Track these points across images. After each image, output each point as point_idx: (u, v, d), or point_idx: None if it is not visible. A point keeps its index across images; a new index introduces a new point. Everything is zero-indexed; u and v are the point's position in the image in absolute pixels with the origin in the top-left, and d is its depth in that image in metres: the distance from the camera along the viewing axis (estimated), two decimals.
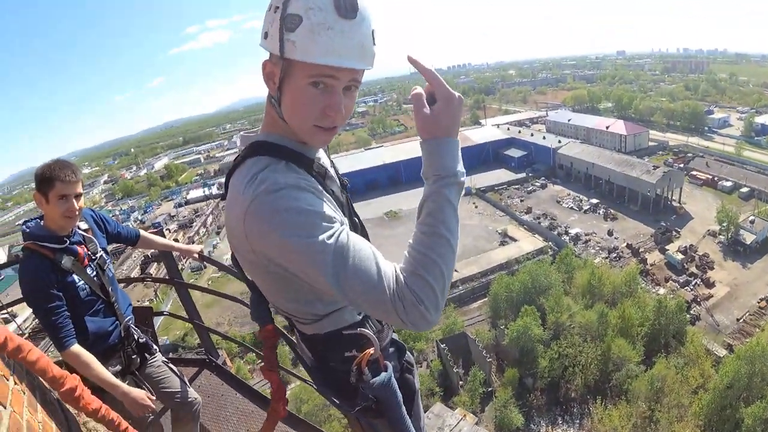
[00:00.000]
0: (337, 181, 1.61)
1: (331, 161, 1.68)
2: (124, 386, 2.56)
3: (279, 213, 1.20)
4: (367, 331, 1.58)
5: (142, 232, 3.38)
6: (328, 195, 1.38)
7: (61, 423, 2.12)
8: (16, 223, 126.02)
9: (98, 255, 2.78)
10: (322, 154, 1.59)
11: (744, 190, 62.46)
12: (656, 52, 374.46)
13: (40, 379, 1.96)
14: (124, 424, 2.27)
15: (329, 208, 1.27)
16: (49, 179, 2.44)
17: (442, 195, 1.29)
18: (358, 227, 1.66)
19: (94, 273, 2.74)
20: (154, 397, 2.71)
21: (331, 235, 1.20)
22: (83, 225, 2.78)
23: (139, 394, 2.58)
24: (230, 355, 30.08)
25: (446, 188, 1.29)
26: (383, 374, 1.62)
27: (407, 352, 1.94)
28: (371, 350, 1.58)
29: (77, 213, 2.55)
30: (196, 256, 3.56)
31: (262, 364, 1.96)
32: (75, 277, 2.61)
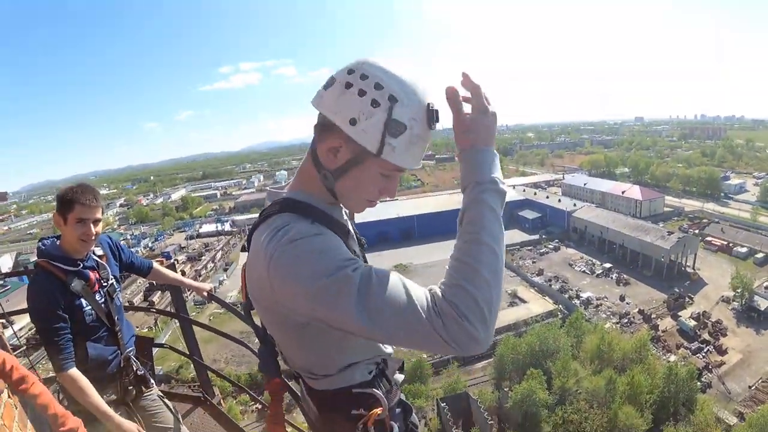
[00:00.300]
0: (356, 240, 1.64)
1: (352, 222, 1.71)
2: (117, 417, 2.54)
3: (301, 258, 1.21)
4: (377, 391, 1.56)
5: (155, 265, 3.38)
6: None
7: None
8: (27, 232, 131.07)
9: (109, 282, 2.80)
10: (343, 214, 1.61)
11: (759, 255, 61.74)
12: (674, 118, 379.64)
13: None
14: None
15: (348, 249, 1.30)
16: (70, 201, 2.48)
17: (483, 201, 1.26)
18: None
19: (103, 300, 2.74)
20: None
21: (354, 269, 1.18)
22: (98, 251, 2.81)
23: (131, 427, 2.56)
24: (223, 394, 29.81)
25: (486, 194, 1.27)
26: None
27: (413, 414, 1.87)
28: (379, 410, 1.55)
29: (93, 238, 2.58)
30: (206, 294, 3.58)
31: (268, 416, 1.88)
32: (83, 301, 2.61)
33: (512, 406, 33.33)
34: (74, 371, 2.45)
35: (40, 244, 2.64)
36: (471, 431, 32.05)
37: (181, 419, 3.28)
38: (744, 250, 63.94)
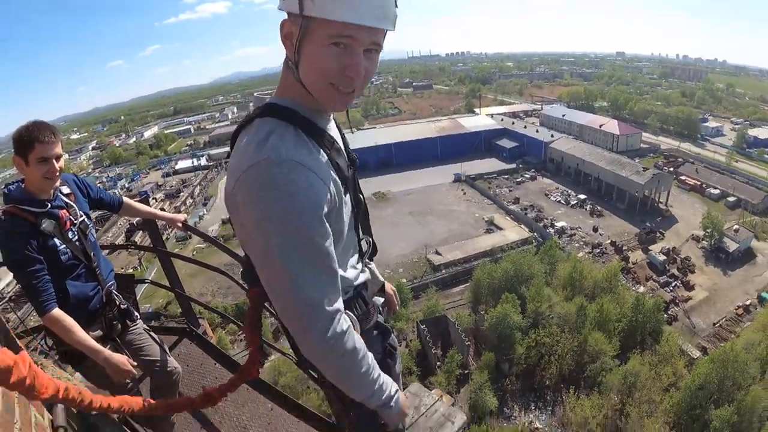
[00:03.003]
0: (345, 155, 1.56)
1: (342, 135, 1.66)
2: (106, 351, 2.55)
3: (268, 190, 1.20)
4: (350, 313, 1.58)
5: (126, 199, 3.31)
6: (333, 168, 1.38)
7: None
8: (1, 186, 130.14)
9: (80, 219, 2.74)
10: (333, 127, 1.57)
11: (731, 199, 63.01)
12: (656, 56, 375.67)
13: None
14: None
15: (323, 194, 1.27)
16: (29, 141, 2.39)
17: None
18: (361, 204, 1.66)
19: (76, 237, 2.70)
20: (135, 363, 2.69)
21: (302, 238, 1.23)
22: (65, 189, 2.74)
23: (121, 359, 2.57)
24: (212, 326, 29.92)
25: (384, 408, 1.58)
26: None
27: (391, 336, 1.97)
28: None
29: (57, 174, 2.52)
30: (180, 225, 3.49)
31: (245, 324, 1.91)
32: (56, 241, 2.58)
33: (488, 328, 34.33)
34: (57, 311, 2.44)
35: (5, 190, 2.58)
36: (449, 351, 33.02)
37: (168, 351, 3.29)
38: (716, 191, 65.12)
